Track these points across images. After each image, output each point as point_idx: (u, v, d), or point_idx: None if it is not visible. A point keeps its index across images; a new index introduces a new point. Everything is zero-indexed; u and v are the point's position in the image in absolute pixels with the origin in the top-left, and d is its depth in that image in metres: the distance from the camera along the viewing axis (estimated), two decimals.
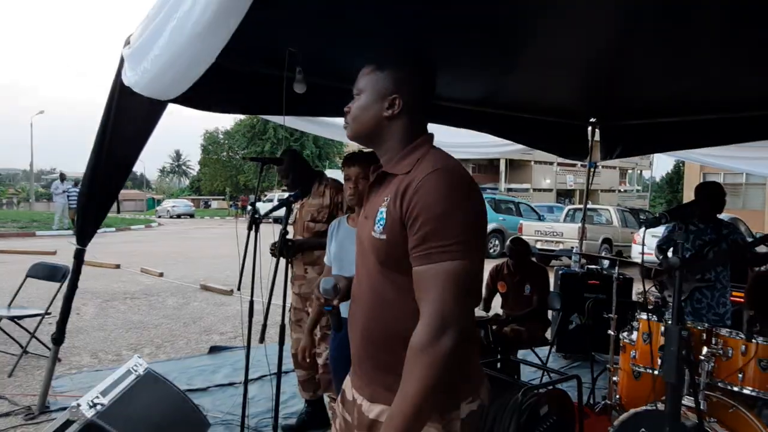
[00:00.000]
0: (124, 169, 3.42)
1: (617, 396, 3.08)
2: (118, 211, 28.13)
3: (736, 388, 2.50)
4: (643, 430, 2.49)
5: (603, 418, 3.06)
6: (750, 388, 2.47)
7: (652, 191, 40.75)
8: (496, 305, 4.40)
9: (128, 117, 3.25)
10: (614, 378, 3.15)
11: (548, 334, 4.65)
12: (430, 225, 1.16)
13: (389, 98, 1.31)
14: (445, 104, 4.57)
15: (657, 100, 4.46)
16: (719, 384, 2.54)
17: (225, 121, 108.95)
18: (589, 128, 5.65)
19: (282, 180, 3.35)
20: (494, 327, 3.55)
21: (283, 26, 2.85)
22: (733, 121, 4.45)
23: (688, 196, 21.82)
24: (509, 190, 29.88)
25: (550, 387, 2.66)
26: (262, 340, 2.55)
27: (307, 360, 2.71)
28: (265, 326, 2.55)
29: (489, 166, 32.72)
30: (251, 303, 2.70)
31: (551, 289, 4.55)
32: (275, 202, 3.21)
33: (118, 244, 14.77)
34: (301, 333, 3.06)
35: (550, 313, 4.48)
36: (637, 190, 41.25)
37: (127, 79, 2.88)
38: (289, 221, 3.23)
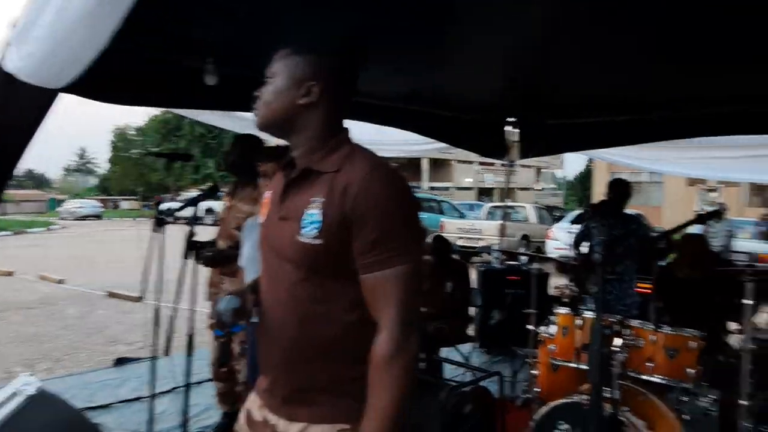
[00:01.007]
0: (8, 166, 3.05)
1: (537, 389, 3.13)
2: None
3: (646, 377, 2.60)
4: (561, 422, 2.55)
5: (524, 412, 3.10)
6: (659, 376, 2.58)
7: (566, 189, 43.09)
8: None
9: (12, 107, 2.90)
10: (534, 372, 3.21)
11: (471, 331, 4.72)
12: (381, 228, 1.09)
13: (306, 85, 1.20)
14: (368, 101, 4.50)
15: (572, 101, 4.63)
16: (631, 373, 2.64)
17: (137, 117, 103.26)
18: (508, 127, 5.77)
19: (228, 171, 3.07)
20: None
21: (191, 10, 2.64)
22: (641, 122, 4.71)
23: (597, 192, 23.30)
24: (432, 188, 30.47)
25: (473, 385, 2.64)
26: (167, 351, 2.34)
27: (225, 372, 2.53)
28: (171, 336, 2.34)
29: (411, 165, 33.20)
30: (157, 310, 2.48)
31: (473, 285, 4.60)
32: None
33: (13, 248, 13.56)
34: None
35: (472, 309, 4.54)
36: (552, 189, 43.49)
37: (11, 65, 2.56)
38: (213, 222, 3.00)
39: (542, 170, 42.20)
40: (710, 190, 21.99)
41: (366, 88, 4.19)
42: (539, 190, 39.06)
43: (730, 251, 8.79)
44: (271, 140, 2.32)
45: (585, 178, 36.74)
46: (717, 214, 3.60)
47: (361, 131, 4.79)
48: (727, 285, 3.12)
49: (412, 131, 5.03)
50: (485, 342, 5.01)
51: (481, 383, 2.85)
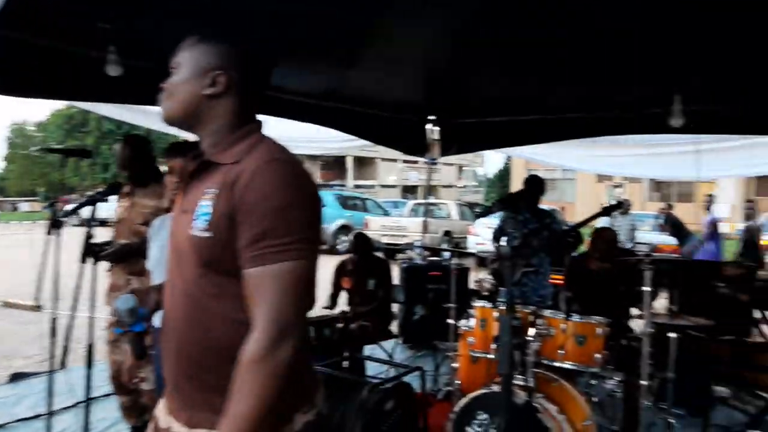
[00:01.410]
0: None
1: (458, 382, 3.20)
2: None
3: (558, 363, 2.72)
4: (480, 412, 2.61)
5: (446, 405, 3.15)
6: (570, 363, 2.71)
7: (486, 186, 44.63)
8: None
9: None
10: (454, 365, 3.27)
11: (395, 327, 4.75)
12: (266, 221, 1.02)
13: (212, 74, 1.14)
14: (287, 97, 4.40)
15: (489, 100, 4.78)
16: (544, 361, 2.75)
17: (38, 112, 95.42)
18: (429, 125, 5.86)
19: (121, 171, 2.91)
20: (340, 325, 3.49)
21: None
22: (545, 122, 4.97)
23: (516, 189, 24.37)
24: (357, 186, 30.50)
25: (395, 381, 2.64)
26: (63, 363, 2.15)
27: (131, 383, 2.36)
28: (68, 347, 2.16)
29: (336, 163, 33.09)
30: (54, 320, 2.28)
31: (395, 282, 4.63)
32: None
33: None
34: (120, 355, 2.68)
35: (396, 306, 4.57)
36: (474, 186, 44.89)
37: None
38: (112, 222, 2.82)
39: (464, 168, 43.47)
40: (616, 186, 23.63)
41: (282, 83, 4.12)
42: (461, 187, 40.21)
43: (633, 243, 9.46)
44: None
45: (504, 176, 38.24)
46: (619, 206, 3.84)
47: (278, 128, 4.73)
48: (629, 274, 3.33)
49: (332, 128, 5.00)
50: (409, 338, 5.06)
51: (404, 379, 2.85)
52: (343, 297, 4.29)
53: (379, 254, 4.08)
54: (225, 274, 1.08)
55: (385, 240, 12.08)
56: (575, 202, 24.64)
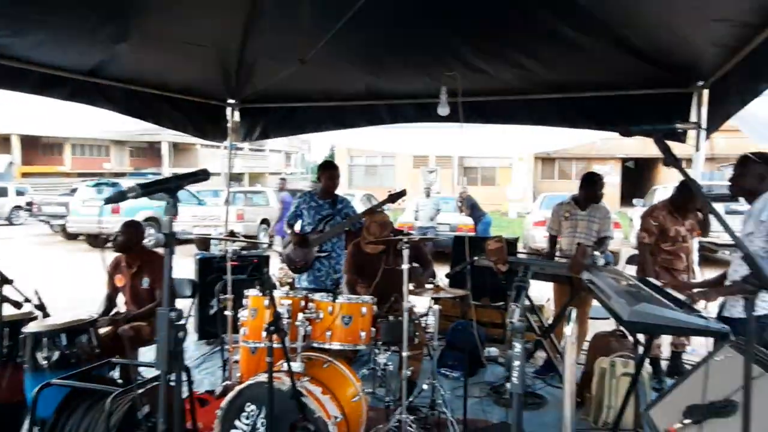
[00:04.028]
0: None
1: (238, 374, 3.10)
2: None
3: (327, 345, 2.78)
4: (249, 403, 2.55)
5: (221, 401, 3.04)
6: (338, 343, 2.79)
7: (314, 172, 44.81)
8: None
9: None
10: (235, 357, 3.17)
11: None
12: None
13: None
14: (43, 71, 3.81)
15: (292, 86, 4.71)
16: (314, 344, 2.79)
17: None
18: (228, 109, 5.62)
19: None
20: (105, 329, 3.15)
21: None
22: (339, 109, 5.10)
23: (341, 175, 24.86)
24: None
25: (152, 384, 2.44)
26: None
27: None
28: None
29: (150, 149, 30.34)
30: None
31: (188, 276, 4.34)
32: None
33: None
34: None
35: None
36: (301, 173, 44.79)
37: None
38: None
39: (292, 155, 43.14)
40: (431, 171, 25.51)
41: (41, 57, 3.60)
42: (289, 174, 39.90)
43: (436, 223, 10.27)
44: None
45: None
46: (404, 194, 4.08)
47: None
48: (399, 253, 3.54)
49: (107, 108, 4.48)
50: (205, 333, 4.82)
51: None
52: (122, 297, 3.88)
53: (150, 246, 3.68)
54: None
55: (197, 231, 11.38)
56: (395, 187, 25.98)
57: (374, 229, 3.70)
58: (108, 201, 1.48)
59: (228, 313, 3.43)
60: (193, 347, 4.65)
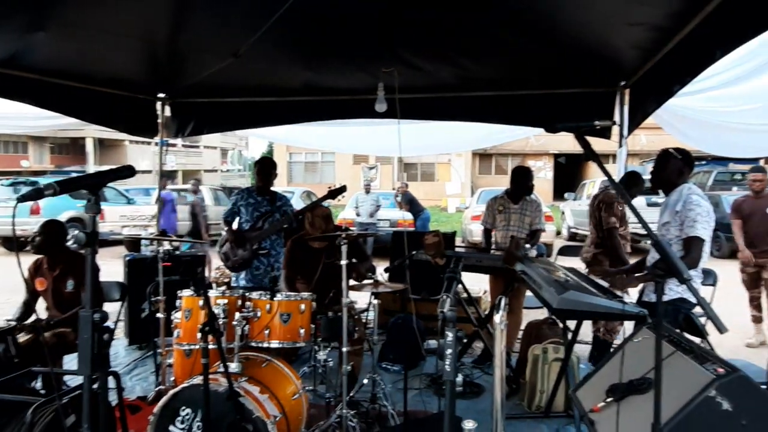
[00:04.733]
0: None
1: (173, 378, 3.00)
2: None
3: (265, 344, 2.74)
4: (183, 407, 2.47)
5: (153, 407, 2.93)
6: (277, 341, 2.75)
7: (251, 170, 43.84)
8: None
9: None
10: (168, 360, 3.06)
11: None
12: None
13: None
14: None
15: (227, 80, 4.55)
16: (252, 343, 2.73)
17: None
18: (159, 104, 5.39)
19: None
20: (25, 337, 2.95)
21: None
22: (282, 104, 5.00)
23: (279, 173, 24.47)
24: None
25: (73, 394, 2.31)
26: None
27: None
28: None
29: (73, 146, 28.61)
30: None
31: (115, 279, 4.15)
32: None
33: None
34: None
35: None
36: (239, 170, 43.71)
37: None
38: None
39: (228, 151, 42.03)
40: (371, 168, 25.59)
41: None
42: (225, 171, 38.86)
43: (376, 219, 10.32)
44: None
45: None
46: (344, 190, 4.07)
47: None
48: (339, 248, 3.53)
49: (23, 102, 4.19)
50: (137, 337, 4.62)
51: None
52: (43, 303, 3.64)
53: (71, 246, 3.38)
54: None
55: (126, 231, 10.89)
56: (335, 183, 25.86)
57: (319, 223, 3.67)
58: (22, 199, 1.38)
59: (160, 315, 3.30)
60: (123, 353, 4.45)
